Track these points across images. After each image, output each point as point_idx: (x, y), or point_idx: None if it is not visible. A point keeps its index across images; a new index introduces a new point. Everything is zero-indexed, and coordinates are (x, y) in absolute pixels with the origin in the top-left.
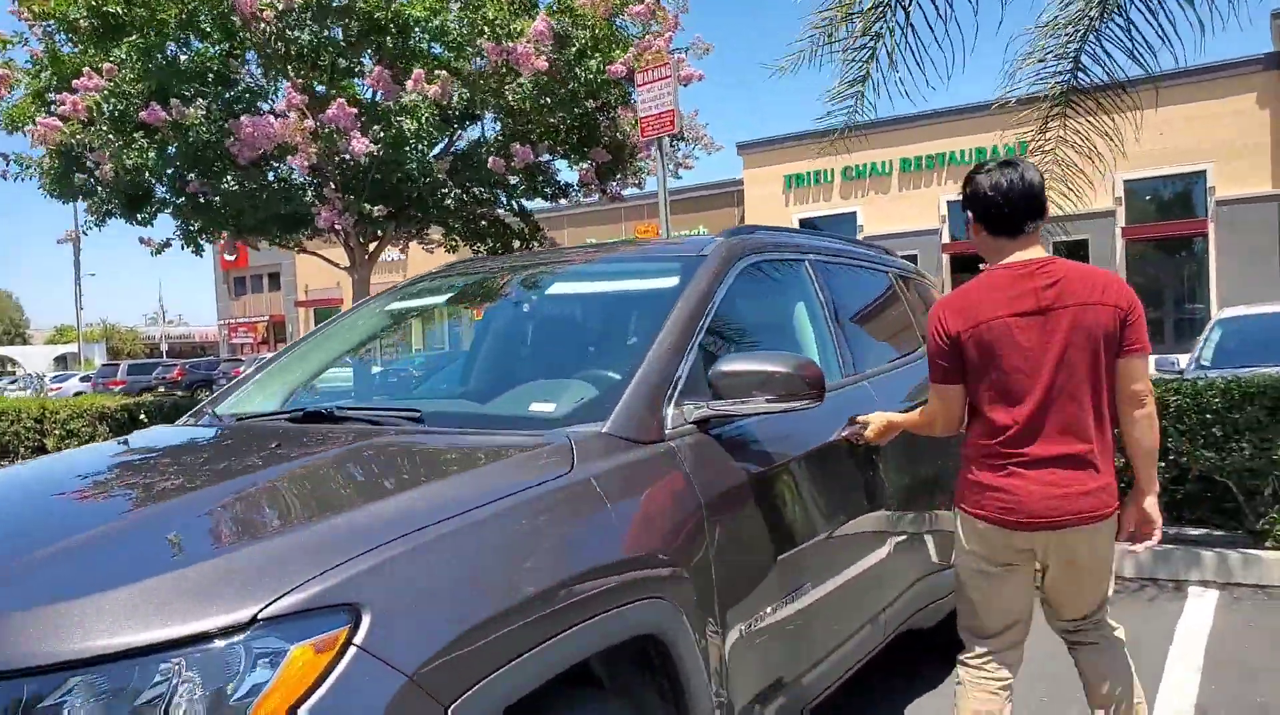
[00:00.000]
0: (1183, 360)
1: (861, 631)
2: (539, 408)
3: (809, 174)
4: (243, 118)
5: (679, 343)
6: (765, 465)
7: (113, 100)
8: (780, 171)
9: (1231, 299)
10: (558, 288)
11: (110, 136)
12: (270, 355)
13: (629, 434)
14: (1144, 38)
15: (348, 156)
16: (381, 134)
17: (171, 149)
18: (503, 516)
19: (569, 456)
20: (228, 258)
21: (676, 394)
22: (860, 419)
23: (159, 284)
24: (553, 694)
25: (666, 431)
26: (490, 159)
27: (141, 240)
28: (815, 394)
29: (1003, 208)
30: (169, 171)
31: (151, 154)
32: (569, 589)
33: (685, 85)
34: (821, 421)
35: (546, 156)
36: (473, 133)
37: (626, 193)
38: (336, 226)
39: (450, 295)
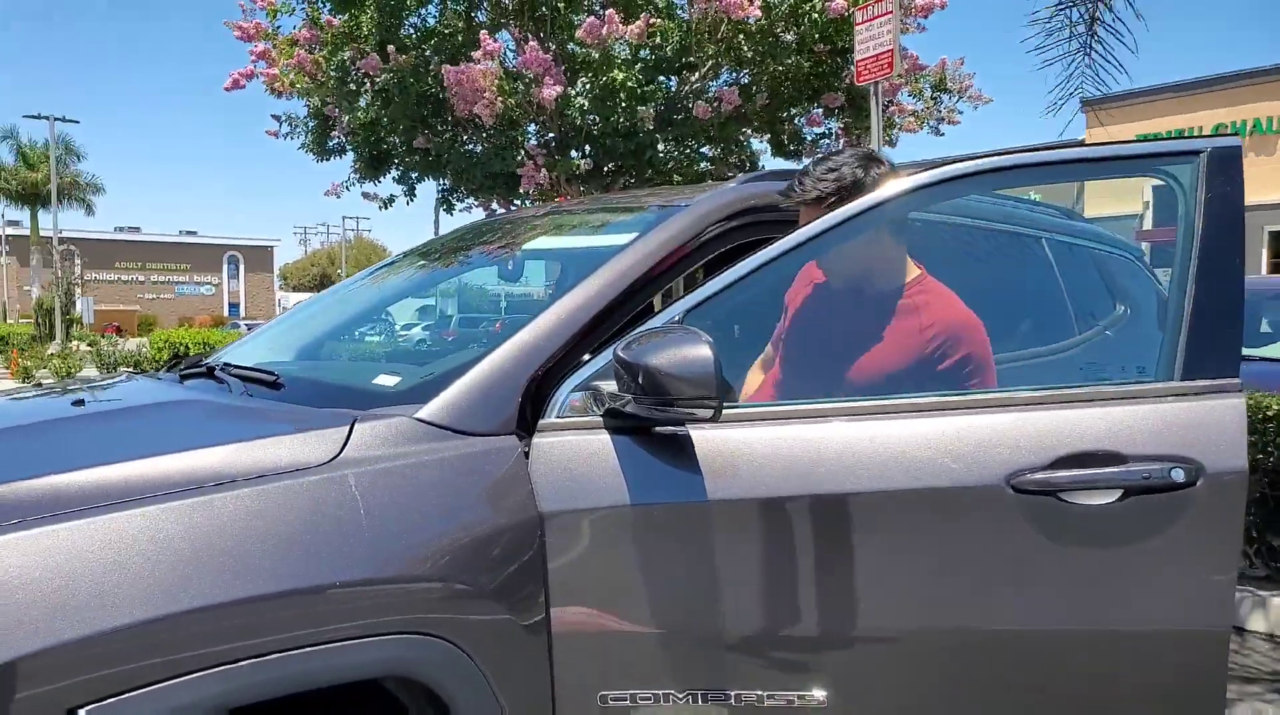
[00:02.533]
0: None
1: None
2: (383, 381)
3: (1169, 134)
4: (447, 66)
5: (581, 313)
6: (720, 494)
7: (337, 56)
8: (1133, 130)
9: None
10: (536, 244)
11: (338, 91)
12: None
13: (452, 422)
14: None
15: (553, 107)
16: (589, 86)
17: (393, 102)
18: (170, 513)
19: (337, 444)
20: None
21: (573, 377)
22: None
23: None
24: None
25: (544, 422)
26: (696, 105)
27: (365, 195)
28: (699, 405)
29: None
30: (398, 126)
31: (376, 107)
32: (252, 609)
33: (925, 17)
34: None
35: (793, 111)
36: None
37: (891, 152)
38: (542, 184)
39: (456, 252)
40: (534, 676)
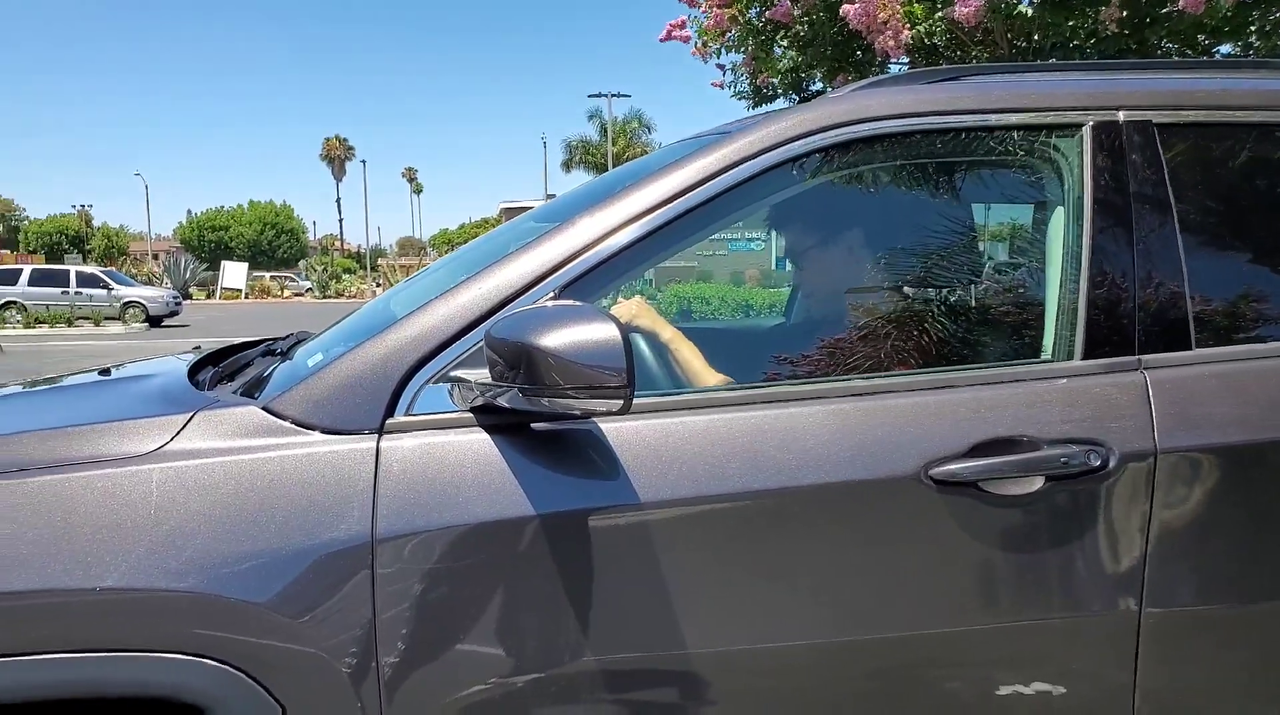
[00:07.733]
0: None
1: None
2: (314, 362)
3: None
4: (846, 6)
5: (511, 281)
6: (608, 500)
7: (752, 8)
8: None
9: None
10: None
11: (750, 43)
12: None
13: (300, 414)
14: None
15: (976, 23)
16: None
17: (810, 47)
18: None
19: (168, 434)
20: None
21: (428, 366)
22: None
23: None
24: None
25: (393, 421)
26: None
27: None
28: (605, 395)
29: None
30: (818, 69)
31: (791, 53)
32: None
33: None
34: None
35: None
36: None
37: None
38: None
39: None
40: None
